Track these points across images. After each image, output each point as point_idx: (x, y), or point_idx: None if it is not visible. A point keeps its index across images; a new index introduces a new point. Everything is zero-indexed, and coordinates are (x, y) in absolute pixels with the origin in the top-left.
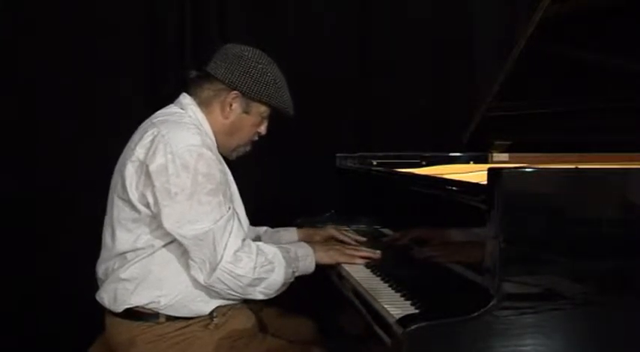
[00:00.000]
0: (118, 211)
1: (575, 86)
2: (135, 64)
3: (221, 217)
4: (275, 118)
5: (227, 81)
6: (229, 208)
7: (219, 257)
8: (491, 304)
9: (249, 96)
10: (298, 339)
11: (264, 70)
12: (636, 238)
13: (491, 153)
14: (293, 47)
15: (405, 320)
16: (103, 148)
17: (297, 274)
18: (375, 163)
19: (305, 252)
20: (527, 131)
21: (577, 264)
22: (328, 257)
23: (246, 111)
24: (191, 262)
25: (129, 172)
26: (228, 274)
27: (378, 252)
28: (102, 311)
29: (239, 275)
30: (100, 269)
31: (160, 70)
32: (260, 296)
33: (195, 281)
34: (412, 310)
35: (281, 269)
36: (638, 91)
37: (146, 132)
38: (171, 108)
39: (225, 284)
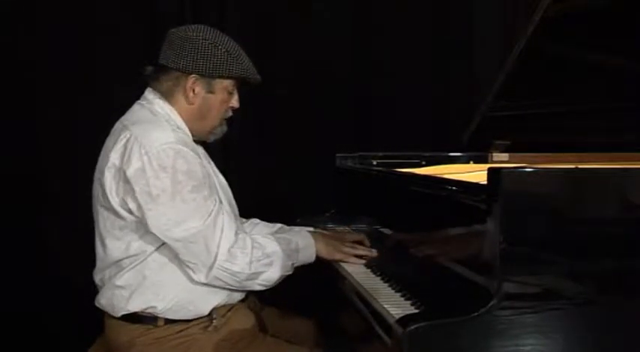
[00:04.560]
0: (103, 220)
1: (575, 86)
2: (135, 64)
3: (209, 214)
4: (247, 88)
5: (181, 67)
6: (216, 200)
7: (213, 256)
8: (491, 304)
9: (207, 75)
10: (298, 339)
11: (214, 44)
12: (636, 238)
13: (492, 153)
14: (293, 47)
15: (405, 320)
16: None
17: (296, 265)
18: (375, 163)
19: (306, 243)
20: (527, 131)
21: (577, 264)
22: (327, 252)
23: (210, 91)
24: (186, 264)
25: (107, 180)
26: (224, 272)
27: (374, 250)
28: (102, 312)
29: (236, 272)
30: (97, 277)
31: None
32: (258, 288)
33: (190, 283)
34: (412, 310)
35: (280, 262)
36: (638, 91)
37: (119, 136)
38: (138, 107)
39: (223, 281)
